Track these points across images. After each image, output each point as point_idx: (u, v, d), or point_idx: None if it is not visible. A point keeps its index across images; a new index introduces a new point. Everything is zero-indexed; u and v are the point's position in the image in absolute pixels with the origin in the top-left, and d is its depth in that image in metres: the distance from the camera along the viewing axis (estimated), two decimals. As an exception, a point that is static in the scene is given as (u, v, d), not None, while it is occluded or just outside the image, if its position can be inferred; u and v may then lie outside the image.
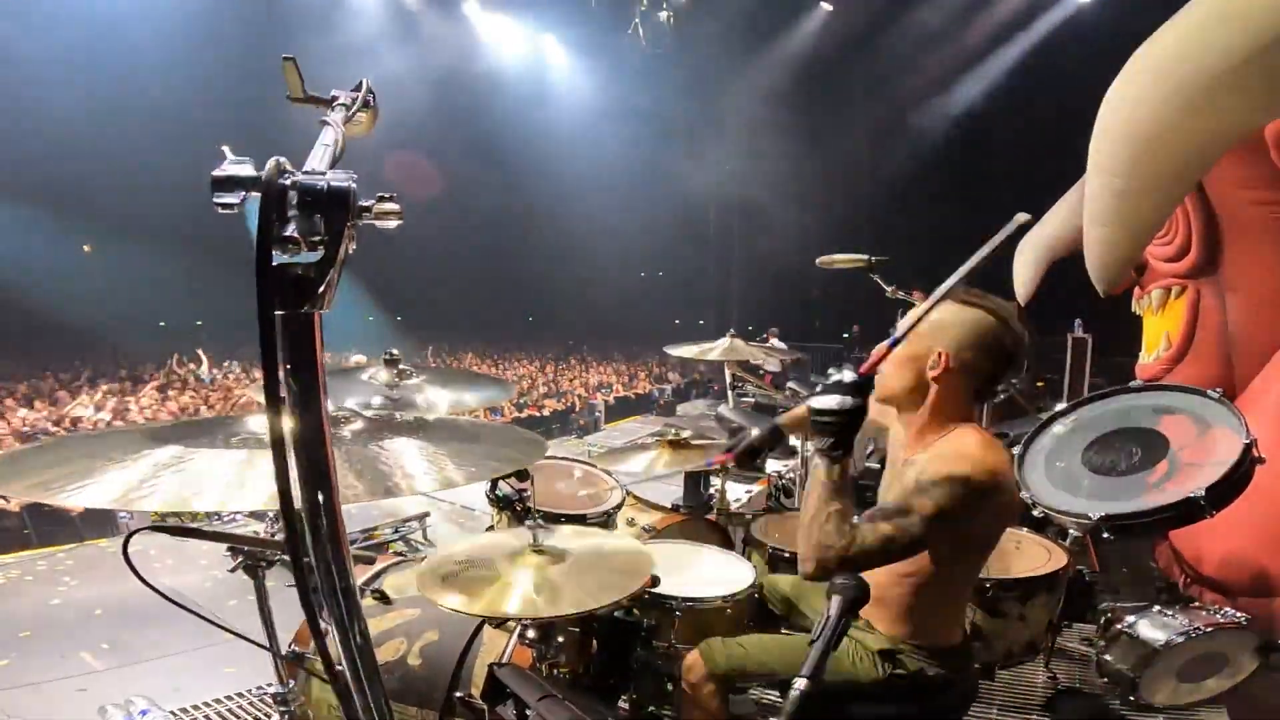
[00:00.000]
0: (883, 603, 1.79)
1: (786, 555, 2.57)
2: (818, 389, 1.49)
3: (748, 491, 4.21)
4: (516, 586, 1.71)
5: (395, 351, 2.38)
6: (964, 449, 1.57)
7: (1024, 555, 2.66)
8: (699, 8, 15.62)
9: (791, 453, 3.76)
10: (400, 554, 2.63)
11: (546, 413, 12.44)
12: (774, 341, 9.13)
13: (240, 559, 1.62)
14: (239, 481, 0.97)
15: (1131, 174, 3.10)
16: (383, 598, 2.24)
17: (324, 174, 0.64)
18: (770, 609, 2.24)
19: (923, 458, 1.63)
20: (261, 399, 0.68)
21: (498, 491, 2.70)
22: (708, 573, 2.36)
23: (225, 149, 0.68)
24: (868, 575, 1.66)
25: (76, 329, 13.32)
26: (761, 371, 8.85)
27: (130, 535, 1.43)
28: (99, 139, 12.45)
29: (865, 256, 3.26)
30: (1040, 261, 5.03)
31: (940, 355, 1.61)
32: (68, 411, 8.92)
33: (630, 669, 2.00)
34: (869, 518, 1.53)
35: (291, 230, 0.61)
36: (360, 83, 0.93)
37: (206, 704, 3.34)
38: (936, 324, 1.59)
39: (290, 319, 0.65)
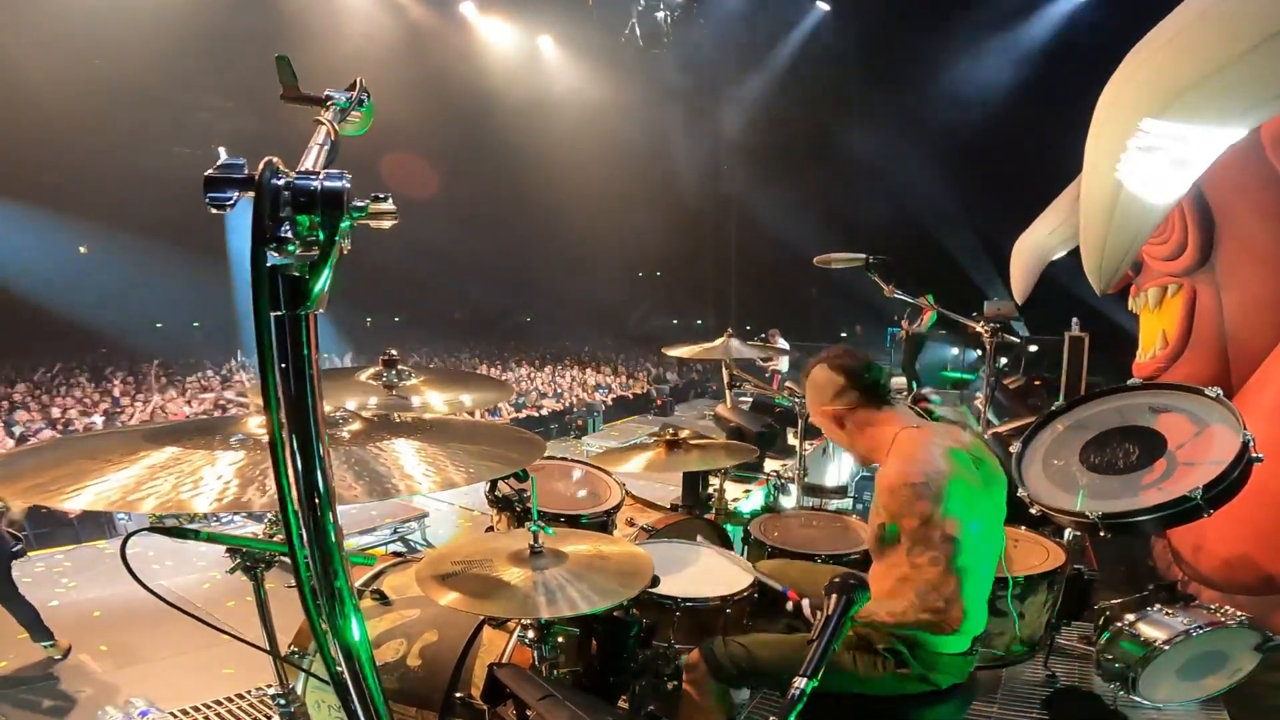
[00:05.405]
0: (886, 602, 1.80)
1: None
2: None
3: (746, 491, 4.19)
4: (516, 587, 1.71)
5: (393, 351, 2.37)
6: (896, 455, 1.88)
7: (1022, 553, 2.66)
8: (696, 7, 15.63)
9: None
10: (399, 555, 2.62)
11: (544, 413, 12.43)
12: (779, 341, 9.16)
13: (238, 560, 1.62)
14: (237, 482, 0.97)
15: (1127, 172, 3.10)
16: (382, 598, 2.24)
17: (317, 174, 0.63)
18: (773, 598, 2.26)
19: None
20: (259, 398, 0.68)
21: (497, 492, 2.69)
22: (707, 573, 2.36)
23: (220, 149, 0.68)
24: (872, 576, 1.68)
25: (73, 330, 13.29)
26: (769, 373, 8.88)
27: (128, 537, 1.43)
28: (97, 139, 12.43)
29: (863, 256, 3.27)
30: (1037, 261, 5.04)
31: (826, 409, 2.06)
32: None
33: (630, 669, 2.00)
34: (911, 574, 1.77)
35: (285, 231, 0.60)
36: (355, 81, 0.92)
37: (206, 705, 3.33)
38: (811, 392, 2.10)
39: (286, 319, 0.65)
